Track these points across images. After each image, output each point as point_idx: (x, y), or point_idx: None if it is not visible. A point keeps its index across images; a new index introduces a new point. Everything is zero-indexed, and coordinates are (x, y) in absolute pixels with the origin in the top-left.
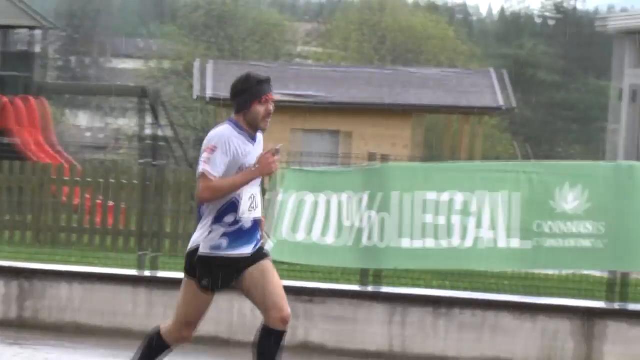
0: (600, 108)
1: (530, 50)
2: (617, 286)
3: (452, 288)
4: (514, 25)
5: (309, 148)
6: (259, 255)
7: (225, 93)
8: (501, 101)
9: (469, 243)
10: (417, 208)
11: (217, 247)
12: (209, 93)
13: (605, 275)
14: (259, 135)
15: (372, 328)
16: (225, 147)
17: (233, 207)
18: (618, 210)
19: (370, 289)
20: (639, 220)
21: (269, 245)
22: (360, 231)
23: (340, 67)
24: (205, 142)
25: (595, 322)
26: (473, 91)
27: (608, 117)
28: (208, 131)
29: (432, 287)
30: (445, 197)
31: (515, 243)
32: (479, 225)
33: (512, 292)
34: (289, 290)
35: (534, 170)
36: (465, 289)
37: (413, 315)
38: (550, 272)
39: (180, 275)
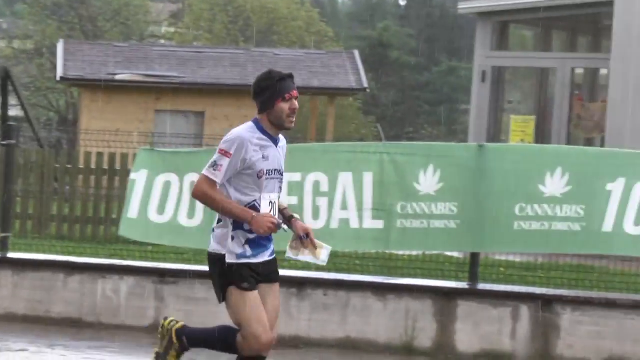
0: (462, 90)
1: (395, 32)
2: (470, 266)
3: (318, 269)
4: (377, 7)
5: (174, 129)
6: (273, 275)
7: (75, 72)
8: (365, 82)
9: (335, 224)
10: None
11: (243, 255)
12: (60, 73)
13: (461, 255)
14: (282, 138)
15: None
16: (240, 153)
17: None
18: (472, 191)
19: None
20: (492, 201)
21: (324, 255)
22: (214, 212)
23: (206, 48)
24: (224, 139)
25: (450, 302)
26: (337, 72)
27: (466, 99)
28: (62, 111)
29: (297, 268)
30: (310, 178)
31: (371, 224)
32: (334, 205)
33: (374, 274)
34: (141, 271)
35: (389, 151)
36: (330, 270)
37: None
38: (408, 252)
39: (31, 256)
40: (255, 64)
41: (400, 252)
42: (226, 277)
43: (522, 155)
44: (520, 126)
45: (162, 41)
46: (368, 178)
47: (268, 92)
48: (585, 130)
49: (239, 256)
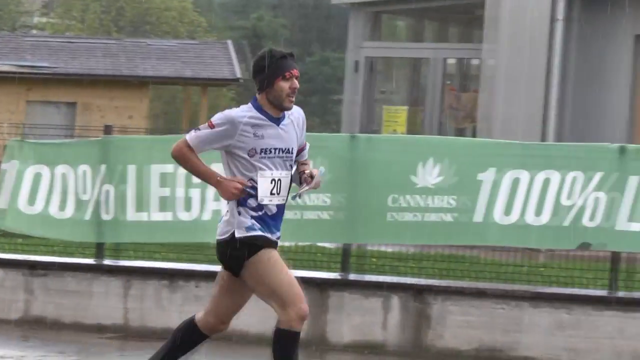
0: (335, 80)
1: (268, 22)
2: (342, 257)
3: (190, 261)
4: None
5: (45, 120)
6: None
7: None
8: (238, 73)
9: (207, 216)
10: (154, 181)
11: (252, 228)
12: None
13: (333, 246)
14: (293, 114)
15: (109, 302)
16: (226, 130)
17: (251, 190)
18: (345, 182)
19: (106, 262)
20: (365, 192)
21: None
22: (97, 204)
23: (78, 38)
24: (216, 115)
25: (322, 293)
26: (210, 63)
27: (344, 89)
28: None
29: (169, 260)
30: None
31: None
32: (206, 197)
33: None
34: (11, 263)
35: None
36: (202, 262)
37: (149, 289)
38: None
39: None
40: (127, 54)
41: (288, 243)
42: (241, 252)
43: (394, 146)
44: (393, 117)
45: (34, 31)
46: None
47: (267, 71)
48: (457, 120)
49: (248, 229)
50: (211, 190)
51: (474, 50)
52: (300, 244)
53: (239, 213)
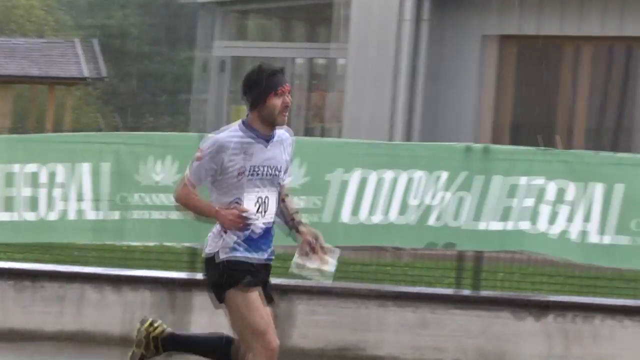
0: (187, 79)
1: (118, 20)
2: (199, 257)
3: (36, 261)
4: None
5: None
6: (268, 286)
7: None
8: (87, 72)
9: (53, 216)
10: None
11: (236, 249)
12: None
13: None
14: (282, 134)
15: None
16: (215, 156)
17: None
18: None
19: None
20: None
21: (332, 263)
22: None
23: None
24: (202, 142)
25: (179, 293)
26: (58, 61)
27: (193, 89)
28: None
29: (15, 259)
30: (31, 169)
31: (106, 215)
32: (65, 197)
33: (110, 265)
34: None
35: (120, 141)
36: (48, 262)
37: None
38: (135, 243)
39: None
40: None
41: (136, 243)
42: (223, 277)
43: None
44: (243, 116)
45: None
46: (103, 169)
47: (258, 87)
48: (318, 119)
49: (232, 249)
50: (59, 190)
51: (324, 50)
52: (148, 244)
53: (225, 232)
